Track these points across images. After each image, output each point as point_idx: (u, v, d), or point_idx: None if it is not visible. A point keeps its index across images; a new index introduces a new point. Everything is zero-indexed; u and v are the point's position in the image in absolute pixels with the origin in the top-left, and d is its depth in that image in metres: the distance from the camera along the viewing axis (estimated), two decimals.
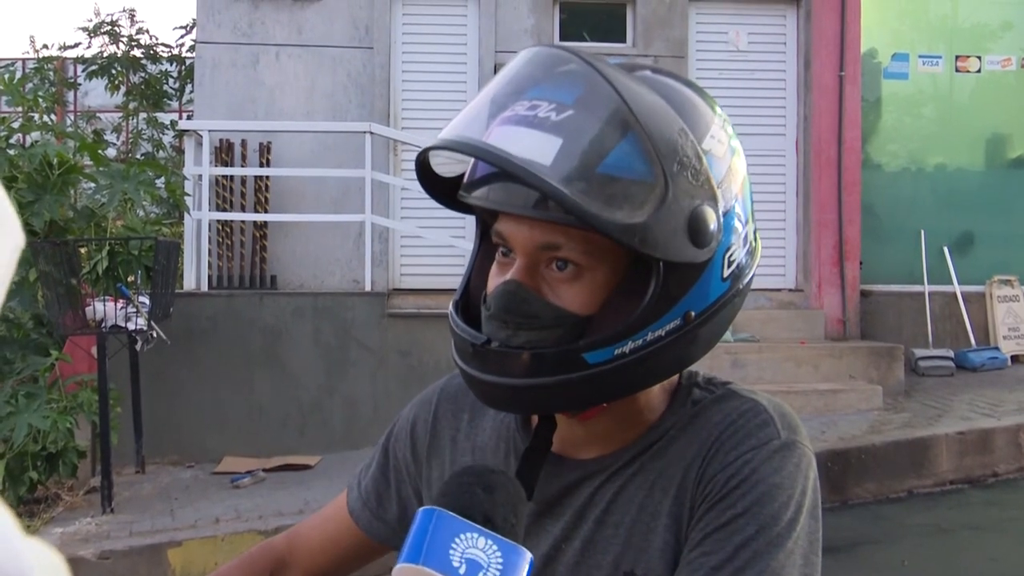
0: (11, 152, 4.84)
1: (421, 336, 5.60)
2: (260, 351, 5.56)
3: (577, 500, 0.89)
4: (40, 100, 5.47)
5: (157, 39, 9.02)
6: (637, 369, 0.80)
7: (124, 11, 9.03)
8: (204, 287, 5.90)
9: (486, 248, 0.90)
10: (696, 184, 0.78)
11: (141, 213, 5.96)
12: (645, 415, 0.89)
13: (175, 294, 5.20)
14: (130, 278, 4.61)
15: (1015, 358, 7.08)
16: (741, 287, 0.85)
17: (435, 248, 6.33)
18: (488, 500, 0.69)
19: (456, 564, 0.64)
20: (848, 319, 6.77)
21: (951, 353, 6.85)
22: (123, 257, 4.59)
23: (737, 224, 0.83)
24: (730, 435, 0.84)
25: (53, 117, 6.98)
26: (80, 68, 9.07)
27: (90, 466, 4.90)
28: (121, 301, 4.53)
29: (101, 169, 4.88)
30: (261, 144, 6.46)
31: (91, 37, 8.97)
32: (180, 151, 8.00)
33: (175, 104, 9.17)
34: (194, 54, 7.14)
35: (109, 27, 8.95)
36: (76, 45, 9.12)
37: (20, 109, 5.59)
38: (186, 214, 5.86)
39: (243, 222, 6.41)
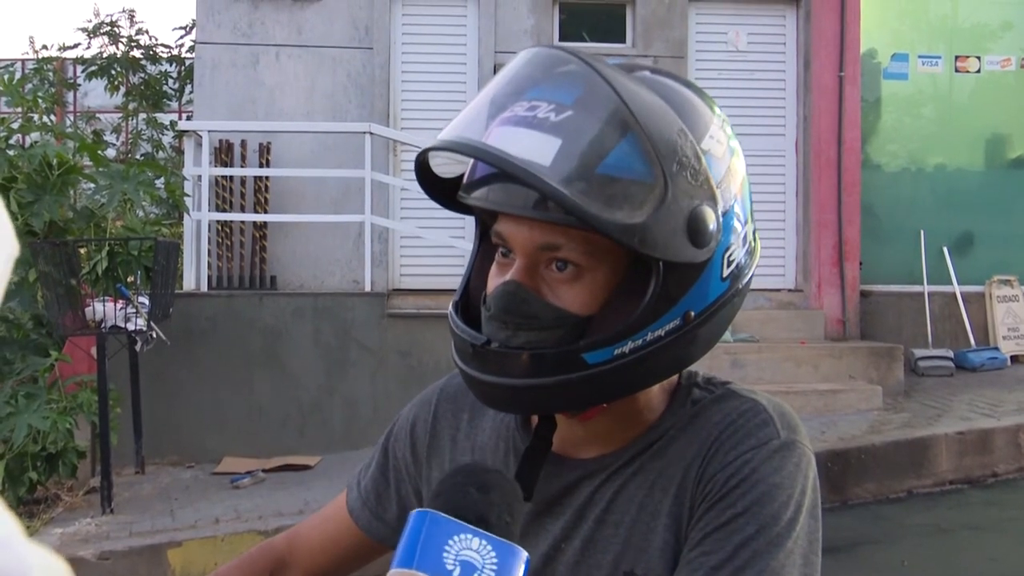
0: (11, 153, 4.84)
1: (421, 336, 5.60)
2: (260, 351, 5.56)
3: (577, 499, 0.89)
4: (40, 101, 5.47)
5: (157, 39, 9.02)
6: (637, 369, 0.80)
7: (124, 12, 9.03)
8: (204, 287, 5.90)
9: (486, 249, 0.90)
10: (695, 184, 0.78)
11: (141, 213, 5.96)
12: (645, 415, 0.89)
13: (175, 294, 5.20)
14: (130, 278, 4.61)
15: (1015, 358, 7.08)
16: (740, 287, 0.85)
17: (435, 248, 6.33)
18: (482, 500, 0.69)
19: (450, 567, 0.64)
20: (848, 319, 6.78)
21: (951, 353, 6.85)
22: (123, 257, 4.58)
23: (736, 224, 0.83)
24: (730, 435, 0.84)
25: (53, 118, 6.99)
26: (80, 69, 9.06)
27: (90, 466, 4.90)
28: (121, 301, 4.53)
29: (101, 170, 4.88)
30: (261, 144, 6.46)
31: (91, 38, 8.97)
32: (180, 151, 8.00)
33: (175, 104, 9.17)
34: (194, 54, 7.14)
35: (109, 28, 8.95)
36: (76, 46, 9.12)
37: (20, 110, 5.59)
38: (186, 214, 5.86)
39: (243, 222, 6.41)
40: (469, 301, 0.89)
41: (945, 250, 7.20)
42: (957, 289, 7.11)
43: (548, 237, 0.79)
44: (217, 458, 5.28)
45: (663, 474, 0.86)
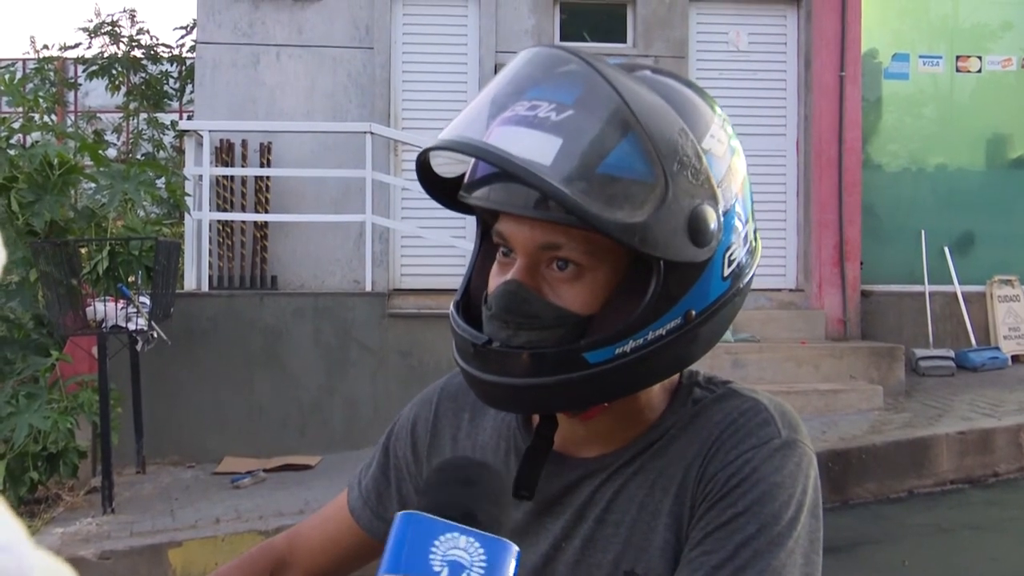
0: (11, 152, 4.84)
1: (421, 336, 5.60)
2: (260, 351, 5.56)
3: (578, 498, 0.89)
4: (40, 100, 5.47)
5: (157, 39, 9.03)
6: (638, 368, 0.80)
7: (124, 11, 9.04)
8: (204, 287, 5.90)
9: (487, 248, 0.90)
10: (696, 184, 0.78)
11: (141, 213, 5.97)
12: (646, 414, 0.89)
13: (175, 294, 5.21)
14: (130, 278, 4.61)
15: (1016, 358, 7.08)
16: (741, 286, 0.85)
17: (435, 248, 6.33)
18: (467, 494, 0.68)
19: (437, 568, 0.62)
20: (849, 319, 6.77)
21: (952, 353, 6.85)
22: (123, 257, 4.59)
23: (737, 223, 0.83)
24: (731, 434, 0.84)
25: (53, 117, 6.99)
26: (80, 68, 9.07)
27: (91, 466, 4.90)
28: (121, 301, 4.53)
29: (101, 169, 4.88)
30: (261, 144, 6.46)
31: (91, 37, 8.98)
32: (180, 151, 8.00)
33: (175, 104, 9.18)
34: (194, 54, 7.14)
35: (109, 27, 8.95)
36: (76, 45, 9.13)
37: (21, 109, 5.60)
38: (186, 214, 5.86)
39: (243, 222, 6.41)
40: (470, 301, 0.89)
41: (946, 250, 7.19)
42: (958, 289, 7.11)
43: (549, 236, 0.79)
44: (218, 458, 5.28)
45: (664, 473, 0.86)
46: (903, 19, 7.45)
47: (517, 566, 0.65)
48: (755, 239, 0.88)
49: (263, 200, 6.49)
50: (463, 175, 0.85)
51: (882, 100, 7.43)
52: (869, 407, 5.74)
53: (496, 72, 0.87)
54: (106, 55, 8.87)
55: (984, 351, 6.93)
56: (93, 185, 5.04)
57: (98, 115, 9.50)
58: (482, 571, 0.63)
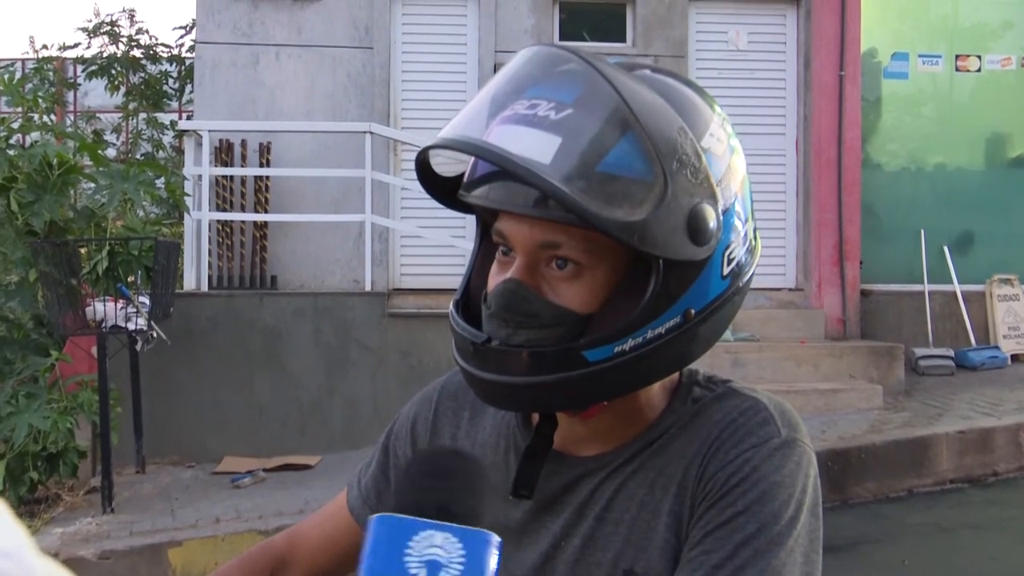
0: (11, 152, 4.84)
1: (421, 336, 5.60)
2: (260, 351, 5.57)
3: (577, 497, 0.89)
4: (40, 100, 5.47)
5: (157, 39, 9.03)
6: (637, 367, 0.80)
7: (124, 11, 9.03)
8: (204, 287, 5.90)
9: (487, 247, 0.90)
10: (695, 182, 0.78)
11: (141, 213, 5.96)
12: (646, 413, 0.89)
13: (175, 294, 5.21)
14: (130, 278, 4.61)
15: (1015, 357, 7.08)
16: (741, 285, 0.85)
17: (435, 248, 6.33)
18: (441, 488, 0.66)
19: (414, 570, 0.61)
20: (848, 318, 6.78)
21: (951, 352, 6.85)
22: (123, 257, 4.59)
23: (737, 222, 0.83)
24: (731, 433, 0.84)
25: (53, 117, 6.99)
26: (80, 68, 9.07)
27: (90, 466, 4.90)
28: (121, 301, 4.53)
29: (101, 169, 4.88)
30: (261, 144, 6.46)
31: (91, 37, 8.97)
32: (180, 151, 8.00)
33: (175, 104, 9.18)
34: (194, 54, 7.14)
35: (109, 27, 8.95)
36: (76, 45, 9.12)
37: (20, 109, 5.59)
38: (186, 214, 5.86)
39: (243, 222, 6.41)
40: (470, 300, 0.89)
41: (945, 249, 7.20)
42: (957, 288, 7.11)
43: (548, 235, 0.79)
44: (217, 458, 5.28)
45: (664, 472, 0.86)
46: (903, 18, 7.46)
47: (500, 555, 0.64)
48: (755, 238, 0.88)
49: (263, 200, 6.49)
50: (463, 174, 0.86)
51: (881, 99, 7.43)
52: (869, 406, 5.74)
53: (496, 72, 0.87)
54: (105, 55, 8.86)
55: (984, 350, 6.93)
56: (92, 185, 5.03)
57: (97, 115, 9.50)
58: (461, 567, 0.61)
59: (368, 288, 5.87)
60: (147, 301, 4.61)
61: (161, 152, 8.67)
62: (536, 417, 0.89)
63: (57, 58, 9.37)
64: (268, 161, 6.47)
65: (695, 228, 0.78)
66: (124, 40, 8.92)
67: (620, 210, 0.75)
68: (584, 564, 0.87)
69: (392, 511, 0.64)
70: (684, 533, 0.83)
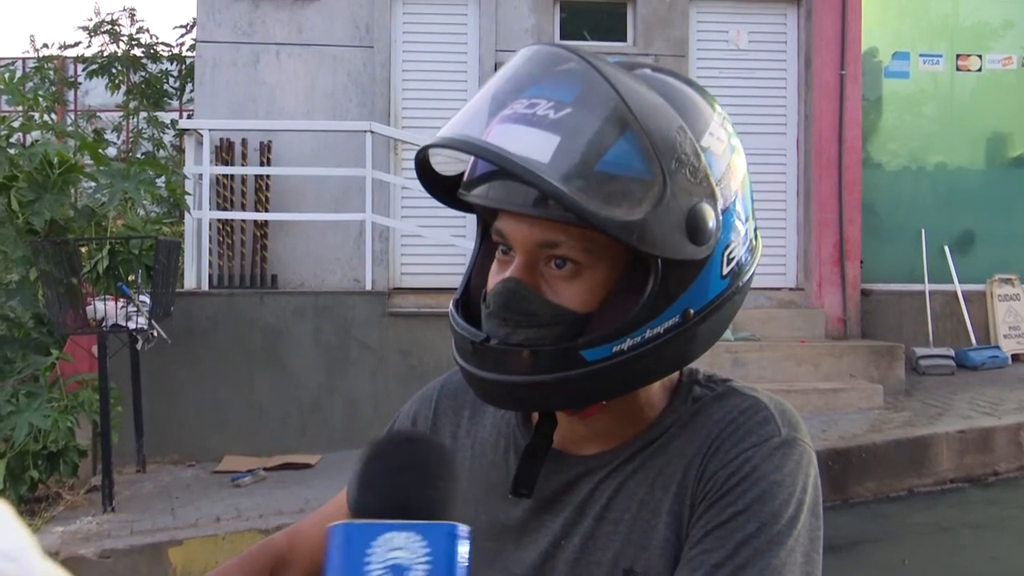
0: (11, 151, 4.84)
1: (422, 335, 5.60)
2: (261, 350, 5.57)
3: (577, 496, 0.89)
4: (40, 99, 5.47)
5: (157, 38, 9.04)
6: (636, 366, 0.80)
7: (124, 10, 9.04)
8: (205, 286, 5.90)
9: (487, 247, 0.90)
10: (694, 182, 0.78)
11: (141, 212, 5.96)
12: (646, 412, 0.89)
13: (176, 293, 5.21)
14: (131, 277, 4.61)
15: (1016, 357, 7.08)
16: (741, 284, 0.85)
17: (435, 247, 6.33)
18: (398, 484, 0.64)
19: None
20: (849, 318, 6.77)
21: (952, 352, 6.85)
22: (124, 256, 4.59)
23: (737, 222, 0.83)
24: (731, 432, 0.84)
25: (53, 116, 6.99)
26: (80, 67, 9.07)
27: (91, 465, 4.90)
28: (122, 300, 4.53)
29: (101, 168, 4.88)
30: (262, 143, 6.46)
31: (91, 36, 8.98)
32: (180, 150, 8.00)
33: (175, 103, 9.18)
34: (194, 53, 7.14)
35: (109, 26, 8.96)
36: (76, 44, 9.14)
37: (20, 108, 5.59)
38: (186, 213, 5.86)
39: (244, 221, 6.41)
40: (470, 299, 0.89)
41: (946, 249, 7.20)
42: (958, 288, 7.11)
43: (547, 234, 0.79)
44: (218, 457, 5.29)
45: (664, 471, 0.86)
46: (903, 18, 7.45)
47: (470, 542, 0.62)
48: (756, 238, 0.88)
49: (263, 199, 6.49)
50: (463, 173, 0.86)
51: (882, 99, 7.43)
52: (869, 406, 5.74)
53: (496, 71, 0.87)
54: (106, 54, 8.87)
55: (984, 350, 6.93)
56: (93, 184, 5.04)
57: (98, 114, 9.50)
58: (427, 566, 0.59)
59: (368, 287, 5.87)
60: (147, 300, 4.61)
61: (162, 151, 8.67)
62: (536, 416, 0.89)
63: (58, 57, 9.37)
64: (269, 160, 6.47)
65: (694, 227, 0.77)
66: (125, 39, 8.93)
67: (618, 209, 0.74)
68: (584, 563, 0.87)
69: (352, 516, 0.62)
70: (684, 532, 0.83)
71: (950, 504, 4.85)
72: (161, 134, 8.79)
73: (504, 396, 0.83)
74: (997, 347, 7.00)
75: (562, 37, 6.80)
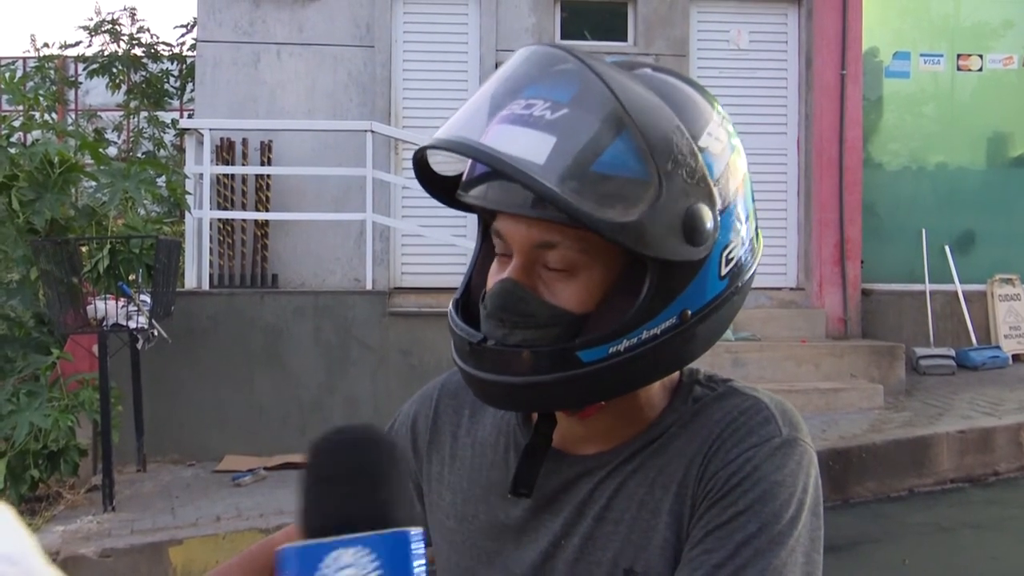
0: (12, 151, 4.84)
1: (422, 335, 5.60)
2: (261, 350, 5.57)
3: (577, 496, 0.89)
4: (41, 99, 5.47)
5: (158, 38, 9.05)
6: (633, 367, 0.80)
7: (125, 10, 9.05)
8: (205, 286, 5.90)
9: (488, 247, 0.90)
10: (691, 182, 0.77)
11: (142, 212, 5.96)
12: (646, 412, 0.89)
13: (176, 293, 5.21)
14: (131, 277, 4.61)
15: (1016, 357, 7.08)
16: (740, 285, 0.85)
17: (436, 247, 6.33)
18: (341, 496, 0.62)
19: None
20: (849, 318, 6.77)
21: (952, 352, 6.85)
22: (124, 255, 4.59)
23: (736, 222, 0.82)
24: (731, 432, 0.84)
25: (54, 116, 6.99)
26: (81, 67, 9.08)
27: (91, 464, 4.90)
28: (122, 300, 4.53)
29: (102, 168, 4.88)
30: (262, 143, 6.46)
31: (92, 36, 8.98)
32: (181, 150, 8.01)
33: (176, 103, 9.19)
34: (195, 53, 7.14)
35: (110, 26, 8.96)
36: (77, 44, 9.15)
37: (21, 108, 5.59)
38: (187, 213, 5.86)
39: (244, 221, 6.41)
40: (471, 299, 0.89)
41: (947, 249, 7.19)
42: (959, 288, 7.11)
43: (544, 235, 0.79)
44: (218, 456, 5.29)
45: (664, 472, 0.86)
46: (904, 17, 7.45)
47: (424, 545, 0.60)
48: (757, 238, 0.88)
49: (264, 199, 6.49)
50: (462, 173, 0.86)
51: (883, 99, 7.43)
52: (869, 406, 5.74)
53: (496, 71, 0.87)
54: (106, 53, 8.88)
55: (985, 350, 6.93)
56: (94, 183, 5.04)
57: (99, 113, 9.52)
58: None
59: (369, 287, 5.87)
60: (148, 299, 4.61)
61: (162, 150, 8.68)
62: (536, 415, 0.89)
63: (58, 56, 9.38)
64: (269, 160, 6.47)
65: (690, 228, 0.77)
66: (125, 39, 8.93)
67: (613, 210, 0.74)
68: (584, 563, 0.87)
69: (301, 536, 0.60)
70: (684, 532, 0.83)
71: (950, 504, 4.85)
72: (162, 134, 8.80)
73: (501, 396, 0.83)
74: (998, 347, 7.00)
75: (563, 37, 6.80)
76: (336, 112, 6.59)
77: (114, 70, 8.75)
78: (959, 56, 7.38)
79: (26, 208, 4.60)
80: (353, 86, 6.62)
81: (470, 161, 0.84)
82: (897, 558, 4.15)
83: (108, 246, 4.58)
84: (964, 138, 7.45)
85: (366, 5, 6.61)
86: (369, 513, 0.61)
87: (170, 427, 5.36)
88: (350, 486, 0.63)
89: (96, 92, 9.71)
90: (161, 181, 5.51)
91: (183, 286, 5.91)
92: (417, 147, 0.86)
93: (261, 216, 6.38)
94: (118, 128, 9.32)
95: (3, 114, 5.53)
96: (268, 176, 6.47)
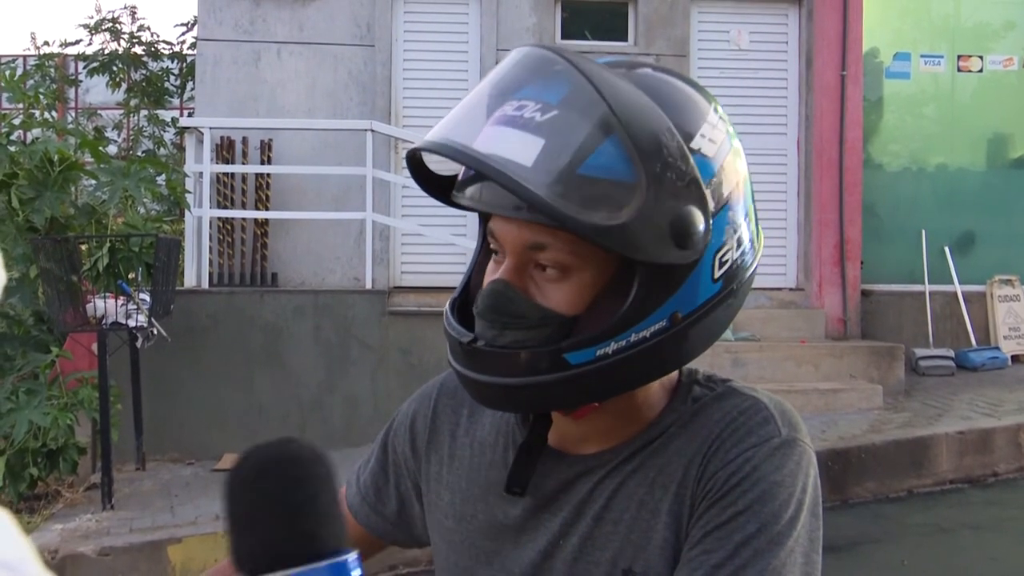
0: (12, 149, 4.84)
1: (421, 334, 5.60)
2: (261, 349, 5.57)
3: (576, 495, 0.89)
4: (41, 97, 5.47)
5: (158, 36, 9.04)
6: (622, 370, 0.79)
7: (125, 8, 9.04)
8: (205, 284, 5.90)
9: (488, 246, 0.89)
10: (681, 185, 0.77)
11: (142, 210, 5.96)
12: (645, 412, 0.89)
13: (176, 291, 5.21)
14: (131, 275, 4.61)
15: (1015, 358, 7.08)
16: (736, 287, 0.84)
17: (436, 246, 6.33)
18: (265, 533, 0.61)
19: None
20: (849, 318, 6.77)
21: (951, 353, 6.85)
22: (124, 254, 4.58)
23: (730, 225, 0.81)
24: (731, 432, 0.84)
25: (54, 114, 6.99)
26: (81, 65, 9.08)
27: (90, 463, 4.90)
28: (122, 298, 4.53)
29: (102, 166, 4.88)
30: (262, 141, 6.46)
31: (92, 34, 8.98)
32: (181, 148, 8.00)
33: (176, 101, 9.19)
34: (195, 51, 7.14)
35: (110, 24, 8.96)
36: (77, 42, 9.14)
37: (21, 106, 5.59)
38: (187, 211, 5.85)
39: (244, 219, 6.41)
40: (469, 298, 0.89)
41: (946, 250, 7.19)
42: (958, 289, 7.11)
43: (536, 237, 0.79)
44: (218, 455, 5.28)
45: (663, 472, 0.86)
46: (904, 18, 7.45)
47: (360, 567, 0.59)
48: (757, 239, 0.87)
49: (263, 197, 6.49)
50: (459, 171, 0.86)
51: (883, 100, 7.43)
52: (869, 406, 5.74)
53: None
54: (107, 52, 8.87)
55: (984, 351, 6.93)
56: (93, 182, 5.04)
57: (99, 112, 9.52)
58: None
59: (369, 286, 5.87)
60: (148, 298, 4.61)
61: (162, 149, 8.68)
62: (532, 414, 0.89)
63: (58, 55, 9.38)
64: (269, 158, 6.47)
65: (679, 232, 0.76)
66: (125, 37, 8.93)
67: (598, 214, 0.74)
68: (583, 563, 0.87)
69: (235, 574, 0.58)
70: (684, 532, 0.83)
71: (949, 505, 4.85)
72: (162, 132, 8.80)
73: (492, 396, 0.83)
74: (997, 348, 7.00)
75: (563, 37, 6.80)
76: (336, 111, 6.59)
77: (114, 68, 8.75)
78: (959, 57, 7.38)
79: (26, 206, 4.60)
80: (353, 85, 6.62)
81: None
82: (896, 559, 4.15)
83: (108, 244, 4.58)
84: (964, 139, 7.45)
85: (367, 4, 6.61)
86: (298, 546, 0.59)
87: (169, 425, 5.36)
88: (271, 521, 0.61)
89: (96, 90, 9.71)
90: (161, 179, 5.50)
91: (183, 285, 5.91)
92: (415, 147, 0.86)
93: (261, 215, 6.38)
94: (118, 126, 9.32)
95: (3, 112, 5.53)
96: (268, 175, 6.47)
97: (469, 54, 6.71)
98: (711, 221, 0.79)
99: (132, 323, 4.55)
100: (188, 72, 8.59)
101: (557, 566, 0.88)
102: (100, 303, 4.51)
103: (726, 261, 0.82)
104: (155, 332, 4.67)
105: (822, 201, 6.84)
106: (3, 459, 4.27)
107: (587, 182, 0.74)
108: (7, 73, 5.50)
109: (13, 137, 5.17)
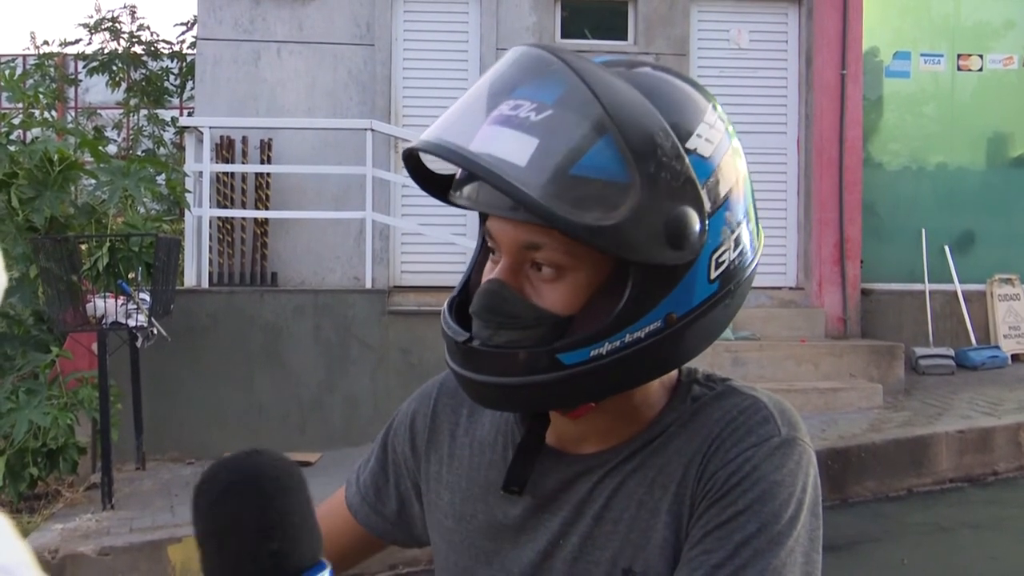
0: (12, 148, 4.84)
1: (421, 333, 5.60)
2: (261, 348, 5.57)
3: (575, 495, 0.88)
4: (41, 96, 5.46)
5: (158, 36, 9.03)
6: (616, 370, 0.79)
7: (125, 7, 9.04)
8: (205, 284, 5.90)
9: (487, 246, 0.89)
10: (676, 185, 0.76)
11: (142, 210, 5.96)
12: (644, 411, 0.89)
13: (176, 291, 5.21)
14: (131, 275, 4.61)
15: (1015, 357, 7.08)
16: (733, 288, 0.83)
17: (436, 245, 6.33)
18: (236, 555, 0.61)
19: None
20: (849, 317, 6.77)
21: (951, 352, 6.85)
22: (124, 254, 4.58)
23: (728, 225, 0.81)
24: (731, 432, 0.84)
25: (54, 113, 6.99)
26: (81, 64, 9.07)
27: (90, 462, 4.90)
28: (122, 298, 4.53)
29: (102, 166, 4.88)
30: (262, 141, 6.46)
31: (92, 33, 8.98)
32: (181, 148, 8.00)
33: (176, 101, 9.18)
34: (195, 51, 7.14)
35: (110, 23, 8.96)
36: (77, 41, 9.14)
37: (21, 105, 5.59)
38: (187, 211, 5.85)
39: (244, 219, 6.41)
40: (468, 298, 0.89)
41: (946, 249, 7.19)
42: (958, 288, 7.11)
43: (531, 236, 0.79)
44: (218, 454, 5.19)
45: (663, 471, 0.85)
46: (904, 17, 7.45)
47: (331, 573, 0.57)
48: (758, 239, 0.87)
49: (263, 197, 6.49)
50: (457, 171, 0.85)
51: (883, 98, 7.43)
52: (869, 405, 5.74)
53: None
54: (106, 51, 8.87)
55: (984, 350, 6.93)
56: (93, 181, 5.03)
57: (98, 111, 9.51)
58: None
59: (368, 285, 5.87)
60: (147, 298, 4.61)
61: (162, 148, 8.68)
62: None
63: (58, 54, 9.37)
64: (269, 158, 6.47)
65: (674, 232, 0.76)
66: (125, 36, 8.92)
67: (591, 214, 0.74)
68: (583, 562, 0.87)
69: None
70: (684, 532, 0.83)
71: (949, 504, 4.85)
72: (161, 131, 8.79)
73: (487, 396, 0.83)
74: (997, 347, 7.00)
75: (563, 36, 6.80)
76: (336, 110, 6.59)
77: (114, 68, 8.75)
78: (959, 56, 7.38)
79: (25, 206, 4.60)
80: (353, 84, 6.62)
81: None
82: (896, 558, 4.15)
83: (108, 244, 4.58)
84: (964, 138, 7.44)
85: (366, 3, 6.61)
86: (268, 565, 0.59)
87: (169, 425, 5.36)
88: (240, 542, 0.61)
89: (96, 90, 9.71)
90: (161, 179, 5.50)
91: (183, 284, 5.91)
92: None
93: (261, 214, 6.38)
94: (118, 126, 9.31)
95: (3, 112, 5.53)
96: (268, 174, 6.47)
97: (469, 53, 6.71)
98: (707, 221, 0.78)
99: (132, 323, 4.55)
100: (188, 71, 8.59)
101: (557, 566, 0.88)
102: (100, 303, 4.51)
103: (723, 262, 0.81)
104: (155, 332, 4.67)
105: (822, 200, 6.84)
106: (3, 459, 4.27)
107: (580, 182, 0.74)
108: (7, 73, 5.50)
109: (13, 137, 5.17)
